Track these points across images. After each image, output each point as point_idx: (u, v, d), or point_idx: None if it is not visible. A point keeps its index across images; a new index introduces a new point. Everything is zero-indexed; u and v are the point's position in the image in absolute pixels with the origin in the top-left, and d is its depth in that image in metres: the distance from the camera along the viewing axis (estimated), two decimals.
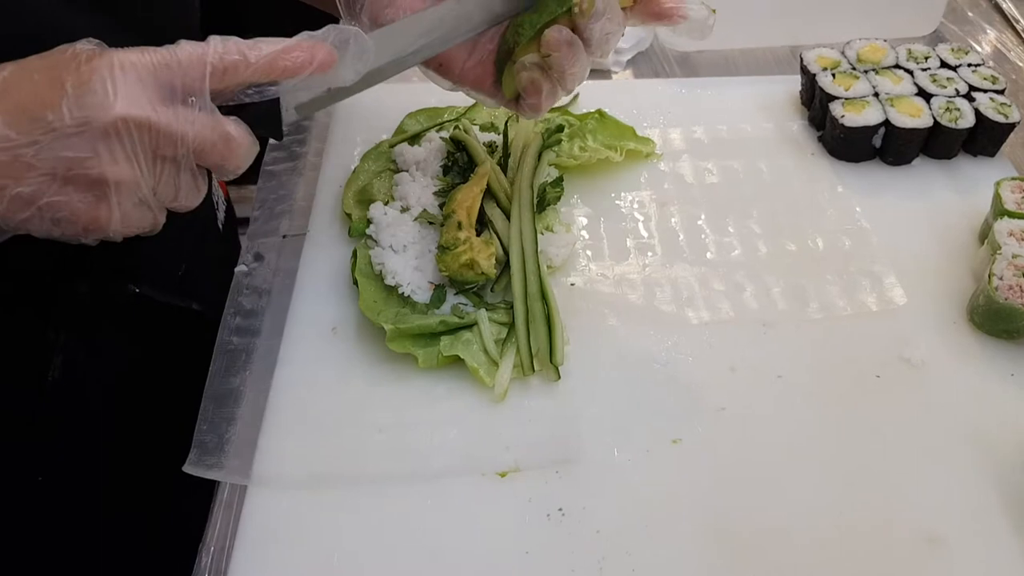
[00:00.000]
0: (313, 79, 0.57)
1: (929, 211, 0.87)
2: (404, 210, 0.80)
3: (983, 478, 0.65)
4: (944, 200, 0.88)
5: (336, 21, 0.74)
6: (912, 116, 0.88)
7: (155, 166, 0.53)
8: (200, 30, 0.80)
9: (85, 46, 0.51)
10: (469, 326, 0.72)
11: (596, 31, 0.66)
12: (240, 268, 0.81)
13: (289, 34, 0.59)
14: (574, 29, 0.66)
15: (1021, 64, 1.10)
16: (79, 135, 0.49)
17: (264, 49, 0.54)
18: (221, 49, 0.53)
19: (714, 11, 0.72)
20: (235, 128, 0.55)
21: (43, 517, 0.79)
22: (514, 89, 0.70)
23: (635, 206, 0.87)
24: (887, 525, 0.63)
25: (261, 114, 0.57)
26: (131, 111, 0.50)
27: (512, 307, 0.73)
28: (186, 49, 0.52)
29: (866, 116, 0.89)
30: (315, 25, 0.74)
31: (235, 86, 0.55)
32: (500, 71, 0.70)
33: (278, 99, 0.57)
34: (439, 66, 0.71)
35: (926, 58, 0.96)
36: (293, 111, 0.60)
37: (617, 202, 0.88)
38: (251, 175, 0.97)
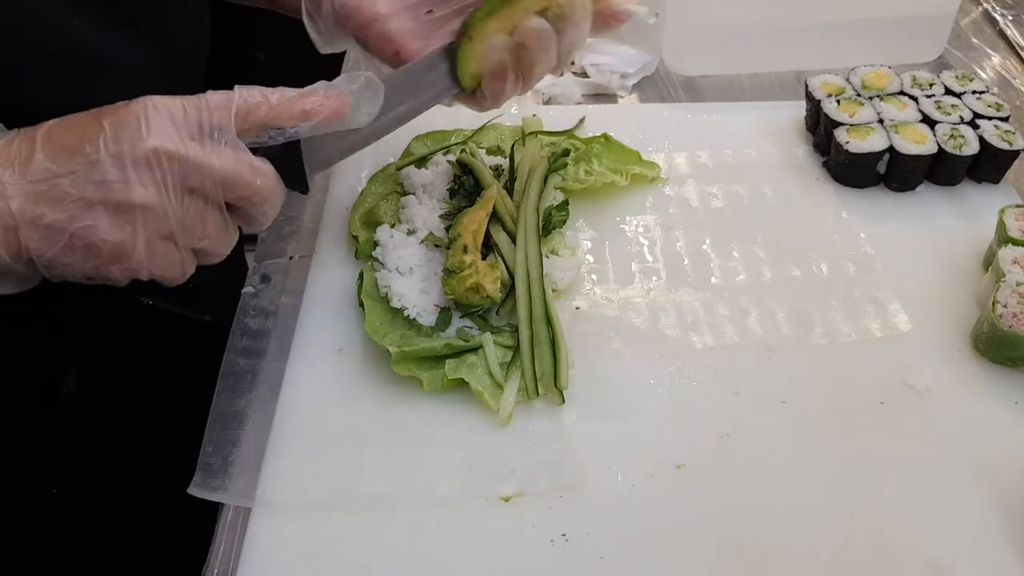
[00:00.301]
0: (331, 123, 0.61)
1: (933, 237, 0.87)
2: (411, 233, 0.81)
3: (987, 505, 0.65)
4: (948, 227, 0.88)
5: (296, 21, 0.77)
6: (916, 143, 0.89)
7: (183, 197, 0.56)
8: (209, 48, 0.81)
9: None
10: (474, 349, 0.73)
11: (568, 36, 0.69)
12: (247, 289, 0.81)
13: (295, 48, 0.62)
14: None
15: None
16: (113, 163, 0.53)
17: (284, 93, 0.59)
18: (245, 93, 0.58)
19: (657, 14, 0.74)
20: (260, 161, 0.59)
21: (47, 532, 0.79)
22: (472, 75, 0.71)
23: (640, 230, 0.88)
24: (891, 552, 0.63)
25: (286, 170, 0.62)
26: (162, 143, 0.54)
27: (517, 330, 0.74)
28: (214, 94, 0.57)
29: (871, 142, 0.89)
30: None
31: (258, 127, 0.59)
32: (455, 57, 0.70)
33: (300, 155, 0.62)
34: (395, 54, 0.75)
35: (931, 85, 0.96)
36: (316, 164, 0.64)
37: (622, 226, 0.88)
38: None
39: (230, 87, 0.59)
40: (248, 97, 0.58)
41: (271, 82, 0.61)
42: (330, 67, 1.15)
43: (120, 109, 0.55)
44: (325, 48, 0.81)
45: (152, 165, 0.54)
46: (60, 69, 0.62)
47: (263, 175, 0.59)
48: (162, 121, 0.55)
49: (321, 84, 0.62)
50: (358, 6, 0.74)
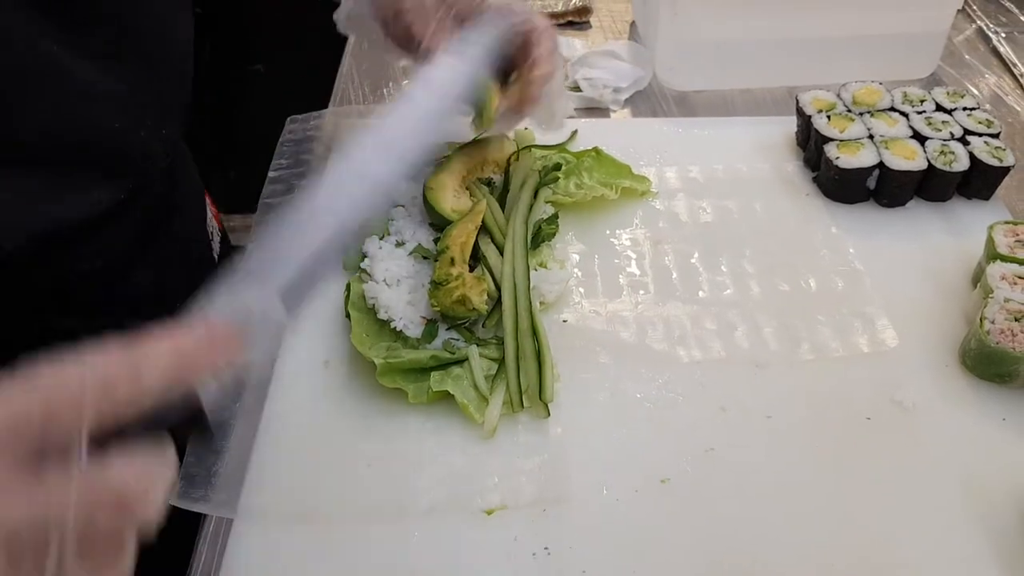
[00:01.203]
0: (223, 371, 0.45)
1: (923, 253, 0.87)
2: (399, 244, 0.81)
3: (973, 522, 0.65)
4: (938, 243, 0.88)
5: None
6: (907, 159, 0.89)
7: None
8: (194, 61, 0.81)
9: None
10: (460, 362, 0.72)
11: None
12: None
13: (292, 61, 0.60)
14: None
15: (1018, 108, 1.11)
16: None
17: (150, 350, 0.41)
18: (96, 375, 0.39)
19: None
20: (131, 470, 0.39)
21: None
22: (450, 209, 0.81)
23: (629, 244, 0.88)
24: (876, 569, 0.62)
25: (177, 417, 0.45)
26: None
27: (503, 343, 0.73)
28: (56, 388, 0.38)
29: (861, 158, 0.89)
30: (314, 31, 0.75)
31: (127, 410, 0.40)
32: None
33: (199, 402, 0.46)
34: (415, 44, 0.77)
35: (921, 101, 0.97)
36: (212, 401, 0.47)
37: (611, 239, 0.88)
38: (248, 203, 0.97)
39: (229, 100, 0.56)
40: (101, 378, 0.39)
41: (269, 95, 0.59)
42: (326, 79, 1.15)
43: None
44: (344, 28, 0.83)
45: None
46: (42, 98, 0.62)
47: (152, 480, 0.39)
48: None
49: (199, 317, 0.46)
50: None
